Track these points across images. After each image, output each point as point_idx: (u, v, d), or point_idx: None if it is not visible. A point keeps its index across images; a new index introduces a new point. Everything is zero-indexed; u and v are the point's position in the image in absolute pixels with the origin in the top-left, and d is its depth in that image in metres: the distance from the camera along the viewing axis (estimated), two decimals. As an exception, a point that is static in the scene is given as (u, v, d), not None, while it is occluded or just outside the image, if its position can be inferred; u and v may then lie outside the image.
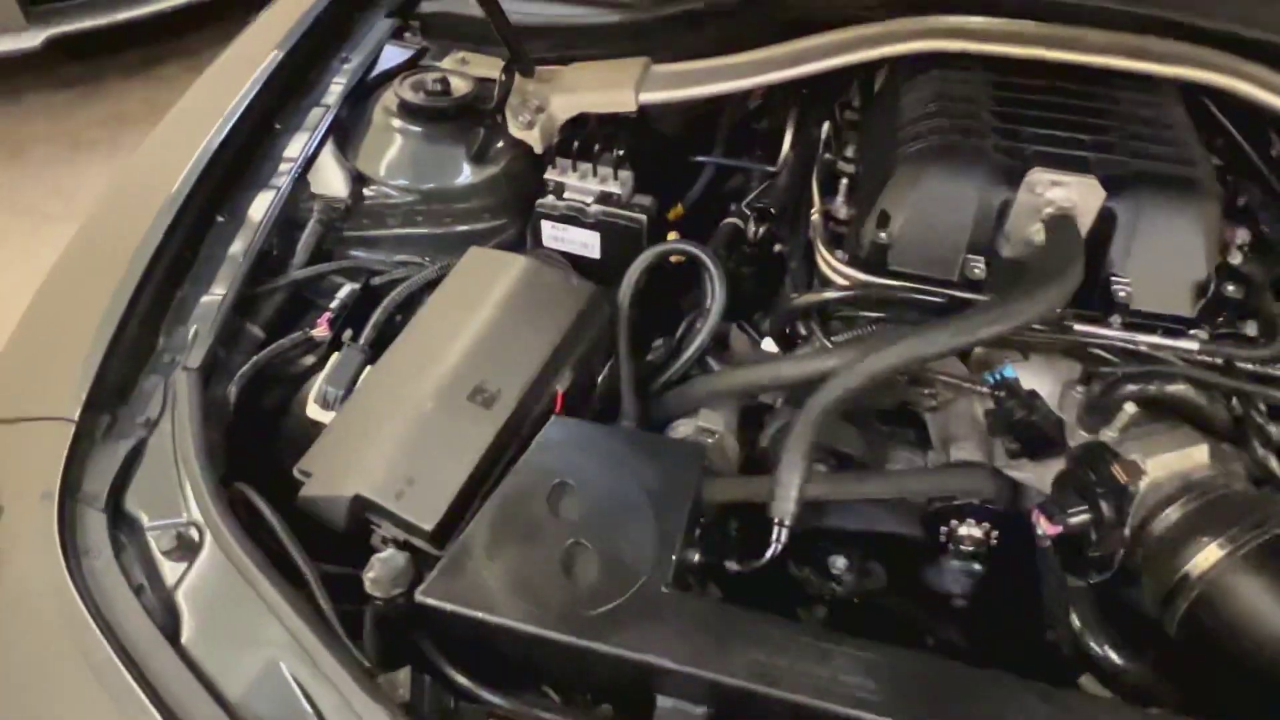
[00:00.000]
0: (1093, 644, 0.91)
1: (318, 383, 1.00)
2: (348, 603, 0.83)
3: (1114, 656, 0.90)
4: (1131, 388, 0.90)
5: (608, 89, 1.20)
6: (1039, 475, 0.95)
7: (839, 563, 1.03)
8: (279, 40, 1.27)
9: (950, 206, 1.01)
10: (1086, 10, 1.12)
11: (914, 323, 0.95)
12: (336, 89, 1.26)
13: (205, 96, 1.22)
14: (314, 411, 0.99)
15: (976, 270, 1.01)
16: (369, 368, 1.00)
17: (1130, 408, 0.87)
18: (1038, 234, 1.00)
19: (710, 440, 1.02)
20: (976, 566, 1.02)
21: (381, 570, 0.82)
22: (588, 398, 1.07)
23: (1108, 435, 0.89)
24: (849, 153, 1.21)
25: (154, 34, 3.41)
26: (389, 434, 0.91)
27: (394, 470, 0.88)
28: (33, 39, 3.03)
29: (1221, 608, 0.79)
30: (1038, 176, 0.97)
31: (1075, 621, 0.92)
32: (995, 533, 0.94)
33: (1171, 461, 0.85)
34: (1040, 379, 0.97)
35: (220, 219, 1.10)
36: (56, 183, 3.02)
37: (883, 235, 1.01)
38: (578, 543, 0.81)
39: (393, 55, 1.34)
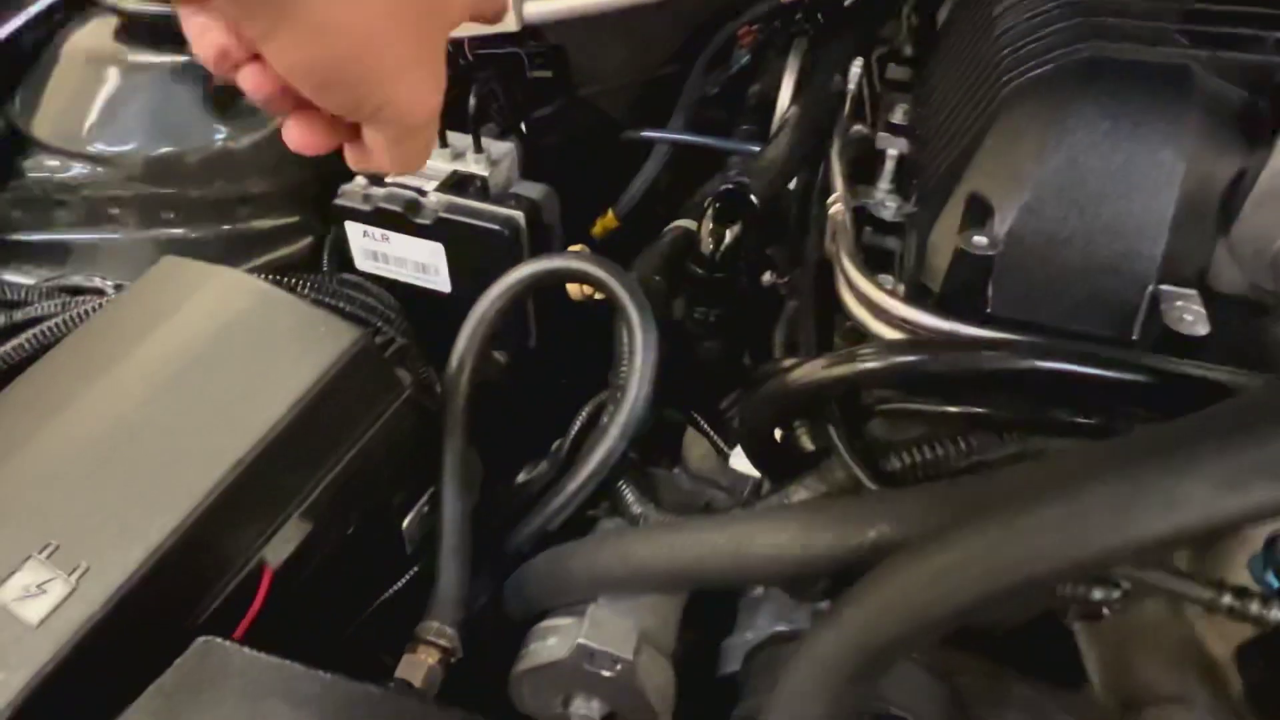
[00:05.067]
0: None
1: None
2: None
3: None
4: None
5: (472, -3, 0.71)
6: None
7: None
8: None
9: (1119, 184, 0.50)
10: None
11: (1077, 442, 0.43)
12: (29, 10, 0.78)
13: None
14: None
15: (1187, 318, 0.48)
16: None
17: None
18: (1308, 244, 0.49)
19: (608, 673, 0.49)
20: None
21: None
22: (372, 575, 0.55)
23: None
24: (897, 117, 0.71)
25: None
26: None
27: None
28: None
29: None
30: (1321, 117, 0.47)
31: None
32: None
33: None
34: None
35: None
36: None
37: (979, 241, 0.50)
38: None
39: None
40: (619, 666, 0.49)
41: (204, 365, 0.50)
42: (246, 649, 0.40)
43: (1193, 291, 0.49)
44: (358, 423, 0.51)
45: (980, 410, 0.46)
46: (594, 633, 0.49)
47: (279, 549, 0.47)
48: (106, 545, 0.42)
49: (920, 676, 0.47)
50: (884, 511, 0.39)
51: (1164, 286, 0.49)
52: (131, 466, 0.45)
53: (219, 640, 0.40)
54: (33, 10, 0.77)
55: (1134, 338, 0.50)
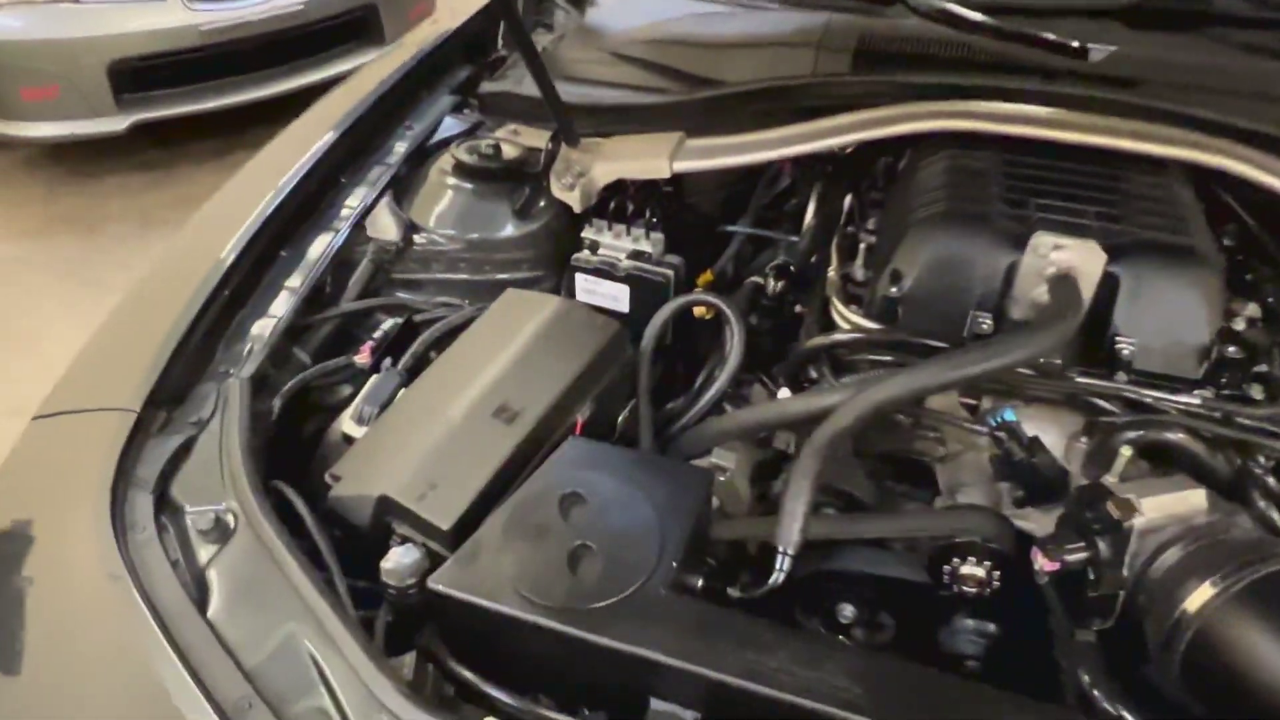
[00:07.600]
0: (1104, 701, 0.95)
1: (356, 401, 1.14)
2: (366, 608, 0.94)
3: (1125, 714, 0.94)
4: (1130, 434, 0.98)
5: (645, 157, 1.38)
6: (1044, 524, 1.02)
7: (847, 610, 1.10)
8: (350, 110, 1.49)
9: (958, 267, 1.13)
10: (1097, 101, 1.28)
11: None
12: (399, 151, 1.47)
13: (281, 153, 1.44)
14: (349, 427, 1.12)
15: (984, 325, 1.12)
16: (404, 389, 1.13)
17: (1127, 451, 0.95)
18: (1043, 295, 1.11)
19: (721, 478, 1.12)
20: (991, 627, 1.08)
21: (397, 561, 0.93)
22: (608, 436, 1.19)
23: (1107, 480, 0.97)
24: (870, 225, 1.36)
25: (226, 125, 3.83)
26: (416, 443, 1.04)
27: (418, 475, 1.00)
28: (119, 123, 3.43)
29: (1217, 648, 0.84)
30: (1041, 239, 1.09)
31: (1084, 677, 0.97)
32: (997, 573, 1.01)
33: (1168, 504, 0.92)
34: (1045, 429, 1.06)
35: (284, 254, 1.28)
36: (125, 258, 3.34)
37: (894, 290, 1.14)
38: (584, 544, 0.91)
39: (452, 126, 1.55)
40: (727, 473, 1.12)
41: (543, 341, 1.14)
42: (602, 443, 1.02)
43: (988, 314, 1.12)
44: (611, 366, 1.15)
45: (890, 358, 1.10)
46: (718, 455, 1.12)
47: (583, 413, 1.11)
48: (525, 406, 1.05)
49: (861, 476, 1.09)
50: (838, 390, 1.02)
51: (975, 311, 1.12)
52: (522, 378, 1.09)
53: (584, 439, 1.04)
54: (403, 151, 1.45)
55: (965, 336, 1.13)
